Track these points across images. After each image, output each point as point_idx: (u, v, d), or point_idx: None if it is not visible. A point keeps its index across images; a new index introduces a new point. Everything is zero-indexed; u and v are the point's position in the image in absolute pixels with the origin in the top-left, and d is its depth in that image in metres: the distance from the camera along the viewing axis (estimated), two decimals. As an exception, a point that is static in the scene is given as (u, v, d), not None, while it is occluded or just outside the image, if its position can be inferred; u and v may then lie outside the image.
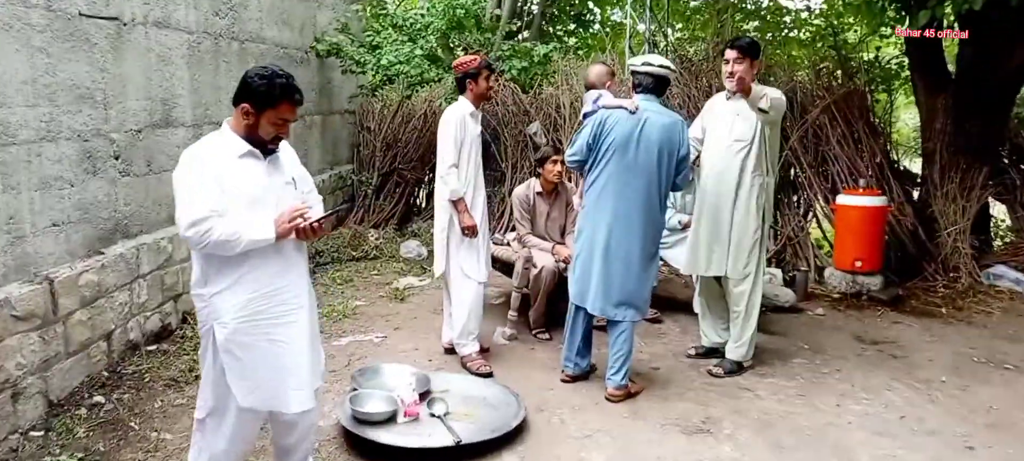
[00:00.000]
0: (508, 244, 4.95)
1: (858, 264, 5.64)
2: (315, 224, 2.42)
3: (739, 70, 3.68)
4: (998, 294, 5.68)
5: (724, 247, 3.96)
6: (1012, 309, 5.43)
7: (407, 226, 7.81)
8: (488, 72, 3.95)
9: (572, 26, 14.19)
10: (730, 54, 3.77)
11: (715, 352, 4.27)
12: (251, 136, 2.42)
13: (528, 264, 4.46)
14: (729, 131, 3.92)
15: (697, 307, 4.53)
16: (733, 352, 4.06)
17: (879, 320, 5.19)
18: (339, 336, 4.57)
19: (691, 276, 4.86)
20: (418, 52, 6.61)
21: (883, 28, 7.30)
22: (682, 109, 7.20)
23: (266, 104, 2.38)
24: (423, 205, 8.49)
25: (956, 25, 6.16)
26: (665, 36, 8.06)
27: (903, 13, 5.67)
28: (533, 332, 4.58)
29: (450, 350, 4.19)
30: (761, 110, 3.65)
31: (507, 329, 4.53)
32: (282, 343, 2.44)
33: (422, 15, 6.91)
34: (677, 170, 3.66)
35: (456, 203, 3.88)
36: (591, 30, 14.36)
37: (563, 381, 3.85)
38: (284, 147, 2.58)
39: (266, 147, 2.45)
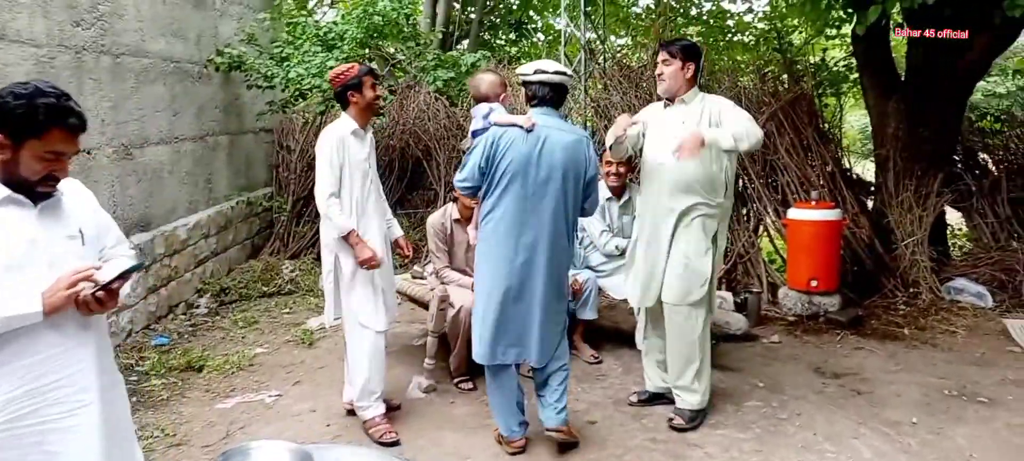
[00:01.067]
0: (427, 278, 4.35)
1: (813, 283, 5.19)
2: (100, 293, 1.78)
3: (666, 71, 3.38)
4: (961, 311, 5.29)
5: (670, 272, 3.42)
6: (977, 327, 5.04)
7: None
8: (372, 80, 3.35)
9: (513, 35, 13.71)
10: (660, 55, 3.44)
11: (660, 398, 3.73)
12: (11, 177, 1.77)
13: (444, 304, 3.86)
14: (669, 142, 3.32)
15: (640, 345, 3.99)
16: (689, 398, 3.50)
17: (839, 346, 4.73)
18: (227, 396, 3.89)
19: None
20: (332, 63, 5.96)
21: (829, 29, 6.94)
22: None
23: (27, 132, 1.74)
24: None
25: (904, 24, 5.80)
26: (602, 42, 7.57)
27: (850, 12, 5.25)
28: (454, 381, 3.98)
29: (352, 411, 3.55)
30: (733, 150, 3.26)
31: (423, 380, 3.91)
32: (59, 456, 1.79)
33: (335, 23, 6.27)
34: (585, 193, 3.14)
35: (346, 237, 3.26)
36: (532, 39, 13.90)
37: (515, 453, 3.23)
38: (70, 190, 1.93)
39: (35, 191, 1.80)
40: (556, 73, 3.11)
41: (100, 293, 1.79)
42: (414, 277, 4.58)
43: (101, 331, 1.94)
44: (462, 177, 3.12)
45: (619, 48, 8.66)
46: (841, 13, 5.98)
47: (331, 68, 6.02)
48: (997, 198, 6.14)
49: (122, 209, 4.79)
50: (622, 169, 4.38)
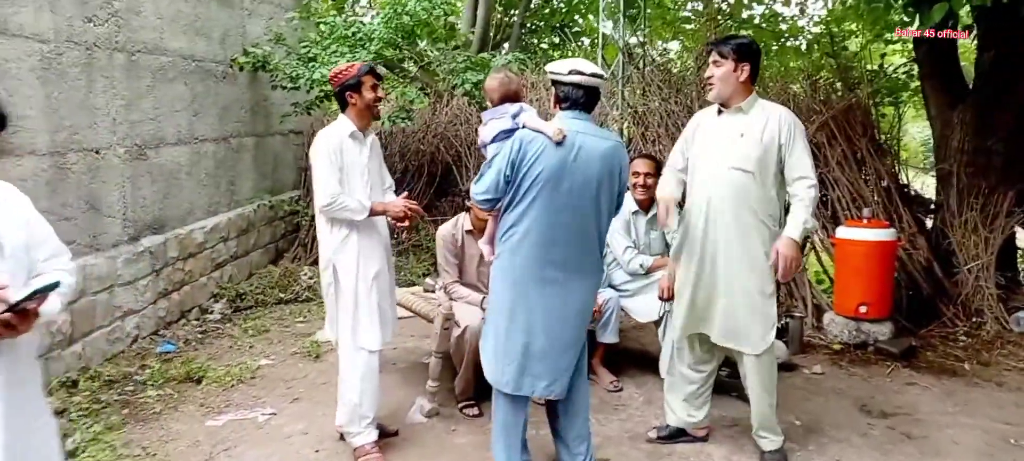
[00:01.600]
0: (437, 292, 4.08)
1: (863, 309, 4.74)
2: (8, 315, 1.56)
3: (716, 74, 3.01)
4: (1031, 345, 4.77)
5: (740, 314, 3.03)
6: (1049, 364, 4.52)
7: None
8: (373, 80, 3.10)
9: (556, 39, 13.41)
10: (710, 57, 3.08)
11: (682, 434, 3.38)
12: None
13: (449, 322, 3.58)
14: (725, 154, 3.02)
15: (665, 372, 3.64)
16: (771, 441, 3.19)
17: (889, 381, 4.27)
18: (220, 412, 3.69)
19: (659, 328, 3.97)
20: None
21: (888, 32, 6.43)
22: (660, 126, 6.37)
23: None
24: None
25: (974, 26, 5.28)
26: (642, 45, 7.20)
27: (912, 9, 4.78)
28: (459, 406, 3.70)
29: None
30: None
31: (425, 403, 3.65)
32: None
33: (364, 24, 6.08)
34: (617, 204, 2.82)
35: (370, 214, 3.09)
36: (575, 42, 13.58)
37: None
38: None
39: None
40: (592, 75, 2.74)
41: (8, 315, 1.57)
42: (426, 290, 4.33)
43: (15, 358, 1.72)
44: (482, 189, 2.74)
45: (661, 52, 8.27)
46: (902, 16, 5.48)
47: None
48: (1074, 220, 5.54)
49: (133, 211, 4.67)
50: (651, 181, 4.04)
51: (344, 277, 3.07)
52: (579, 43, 13.45)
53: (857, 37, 7.84)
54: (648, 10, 8.47)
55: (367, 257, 3.10)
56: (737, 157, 2.98)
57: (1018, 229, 5.72)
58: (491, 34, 11.15)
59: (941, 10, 4.06)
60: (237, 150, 6.18)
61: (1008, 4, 4.11)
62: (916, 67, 6.33)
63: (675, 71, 6.86)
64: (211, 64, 5.69)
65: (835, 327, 4.92)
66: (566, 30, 13.03)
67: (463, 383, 3.66)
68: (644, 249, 4.13)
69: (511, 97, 3.04)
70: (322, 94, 6.14)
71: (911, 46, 6.47)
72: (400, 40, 6.36)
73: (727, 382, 3.81)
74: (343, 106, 3.13)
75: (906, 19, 5.41)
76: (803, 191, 2.96)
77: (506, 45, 12.15)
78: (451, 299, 3.73)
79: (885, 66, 6.67)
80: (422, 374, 4.06)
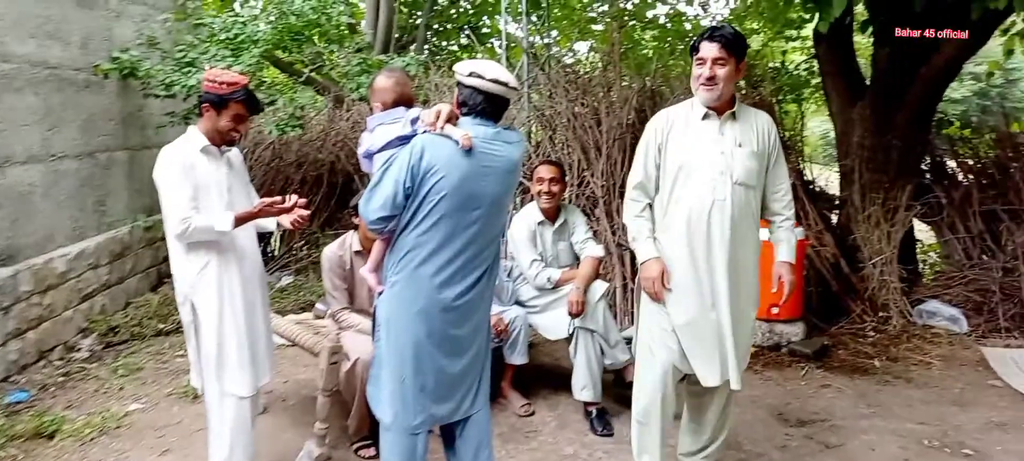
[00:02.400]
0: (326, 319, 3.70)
1: (774, 311, 4.66)
2: None
3: (720, 74, 2.53)
4: (934, 337, 4.83)
5: (735, 346, 2.63)
6: (953, 356, 4.57)
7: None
8: (242, 110, 2.69)
9: (464, 41, 13.12)
10: (707, 50, 2.55)
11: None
12: None
13: (336, 356, 3.21)
14: (727, 167, 2.58)
15: (578, 392, 3.46)
16: None
17: (804, 384, 4.19)
18: (71, 474, 3.19)
19: (570, 345, 3.69)
20: (238, 68, 5.29)
21: (788, 30, 6.46)
22: (568, 129, 6.15)
23: None
24: (274, 252, 7.14)
25: (870, 24, 5.33)
26: (547, 47, 7.00)
27: (811, 5, 4.74)
28: (354, 446, 3.34)
29: (219, 494, 2.88)
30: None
31: (314, 448, 3.25)
32: None
33: (244, 23, 5.58)
34: None
35: (236, 224, 2.66)
36: (485, 44, 13.33)
37: None
38: None
39: None
40: (493, 80, 2.34)
41: None
42: (317, 316, 3.94)
43: None
44: (376, 206, 2.30)
45: (569, 53, 8.10)
46: (800, 14, 5.48)
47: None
48: (967, 211, 5.68)
49: (-29, 241, 4.06)
50: (556, 188, 3.79)
51: (205, 314, 2.66)
52: (487, 44, 13.22)
53: (758, 35, 7.91)
54: (555, 11, 8.31)
55: (232, 287, 2.71)
56: (741, 171, 2.58)
57: (916, 222, 5.83)
58: (394, 35, 10.74)
59: (841, 4, 4.01)
60: (106, 166, 5.56)
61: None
62: (816, 64, 6.39)
63: (582, 73, 6.67)
64: (70, 71, 5.06)
65: (749, 330, 4.83)
66: (474, 32, 12.77)
67: (357, 421, 3.30)
68: (552, 262, 3.87)
69: (406, 101, 2.71)
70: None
71: (811, 43, 6.52)
72: (288, 42, 5.91)
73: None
74: (199, 114, 2.73)
75: (805, 16, 5.41)
76: (786, 207, 2.73)
77: (413, 47, 11.78)
78: (340, 328, 3.36)
79: (787, 64, 6.71)
80: (313, 413, 3.66)
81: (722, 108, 2.63)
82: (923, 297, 5.28)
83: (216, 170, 2.71)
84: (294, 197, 2.82)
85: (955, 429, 3.55)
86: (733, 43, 2.54)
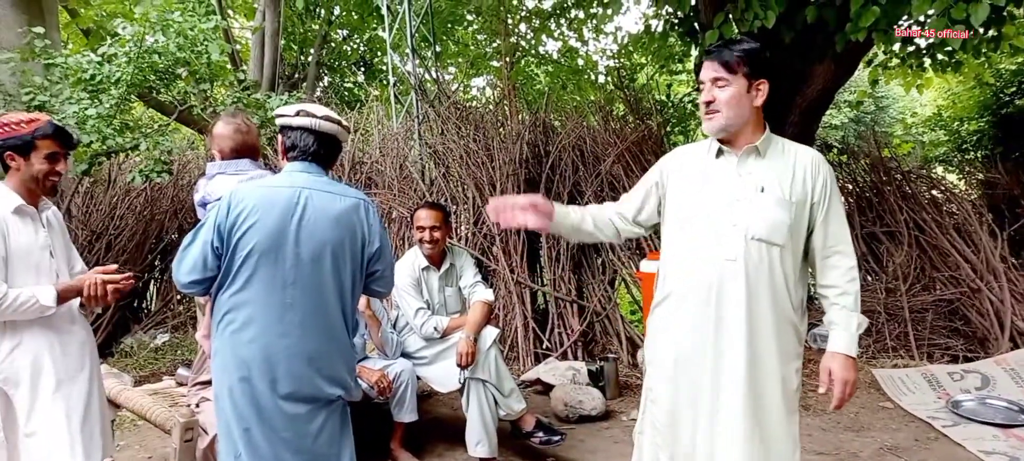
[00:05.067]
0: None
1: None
2: None
3: (720, 98, 2.00)
4: (827, 361, 4.87)
5: (740, 447, 2.02)
6: (845, 378, 4.61)
7: (119, 341, 5.90)
8: (55, 147, 2.35)
9: (359, 78, 12.84)
10: (705, 71, 2.06)
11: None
12: None
13: (190, 432, 2.83)
14: (741, 218, 2.01)
15: (473, 449, 3.19)
16: None
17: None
18: None
19: (462, 397, 3.44)
20: (92, 114, 4.80)
21: (672, 63, 6.59)
22: (462, 166, 5.97)
23: None
24: (150, 307, 6.57)
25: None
26: (437, 83, 6.84)
27: (688, 39, 4.80)
28: (218, 532, 2.94)
29: None
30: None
31: (170, 537, 2.85)
32: None
33: (101, 63, 5.10)
34: (370, 271, 2.29)
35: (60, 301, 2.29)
36: (381, 80, 13.10)
37: None
38: None
39: None
40: (325, 119, 2.22)
41: None
42: (179, 383, 3.52)
43: None
44: (186, 269, 2.10)
45: (460, 87, 7.98)
46: (680, 45, 5.57)
47: (93, 120, 4.89)
48: (849, 235, 5.87)
49: None
50: (437, 234, 3.56)
51: (18, 401, 2.25)
52: (384, 81, 12.99)
53: (644, 69, 8.07)
54: (449, 47, 8.19)
55: (49, 366, 2.31)
56: (761, 224, 1.98)
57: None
58: (283, 73, 10.34)
59: (713, 35, 4.04)
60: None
61: (773, 31, 4.18)
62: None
63: (474, 107, 6.56)
64: None
65: (648, 365, 4.73)
66: (372, 68, 12.52)
67: (220, 503, 2.91)
68: (438, 309, 3.63)
69: (248, 151, 2.46)
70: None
71: (694, 77, 6.67)
72: (155, 81, 5.47)
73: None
74: (5, 168, 2.34)
75: (683, 49, 5.51)
76: (845, 279, 2.05)
77: (304, 84, 11.39)
78: (196, 403, 2.98)
79: (672, 96, 6.83)
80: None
81: (739, 142, 2.06)
82: (816, 321, 5.36)
83: (34, 234, 2.33)
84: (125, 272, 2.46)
85: (852, 457, 3.54)
86: (736, 56, 2.00)
